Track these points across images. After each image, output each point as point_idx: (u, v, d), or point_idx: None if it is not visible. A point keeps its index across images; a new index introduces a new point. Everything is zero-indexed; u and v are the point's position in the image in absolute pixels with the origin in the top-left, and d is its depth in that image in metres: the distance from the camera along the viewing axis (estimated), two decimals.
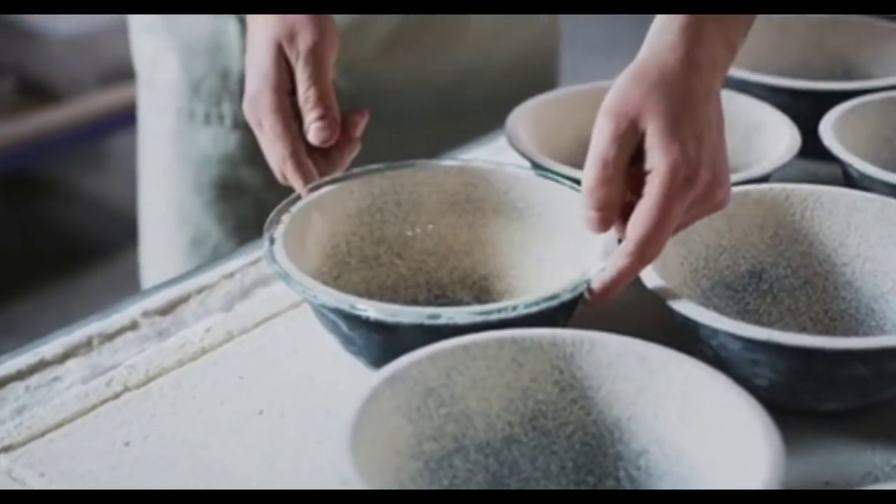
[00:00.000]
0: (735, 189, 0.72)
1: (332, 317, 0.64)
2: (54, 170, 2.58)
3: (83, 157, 2.61)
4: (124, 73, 2.26)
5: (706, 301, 0.70)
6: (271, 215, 0.69)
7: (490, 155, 0.93)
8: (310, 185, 0.72)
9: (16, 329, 2.07)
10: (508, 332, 0.59)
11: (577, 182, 0.73)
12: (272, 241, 0.67)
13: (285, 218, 0.69)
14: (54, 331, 0.73)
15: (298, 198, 0.71)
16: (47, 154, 2.29)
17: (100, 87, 2.22)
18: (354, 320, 0.63)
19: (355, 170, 0.74)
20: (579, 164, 0.85)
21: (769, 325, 0.71)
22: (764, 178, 0.76)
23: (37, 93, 2.18)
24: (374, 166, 0.75)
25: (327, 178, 0.73)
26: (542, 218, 0.73)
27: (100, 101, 2.21)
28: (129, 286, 2.22)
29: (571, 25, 3.42)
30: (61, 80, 2.18)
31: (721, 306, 0.70)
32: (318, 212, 0.72)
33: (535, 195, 0.74)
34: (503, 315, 0.61)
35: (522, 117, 0.83)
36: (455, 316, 0.61)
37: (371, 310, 0.61)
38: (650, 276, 0.64)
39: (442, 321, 0.61)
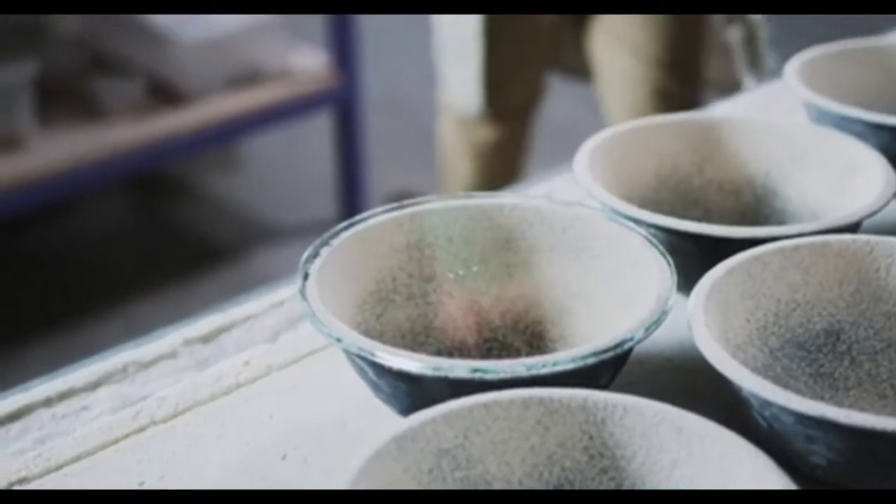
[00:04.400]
0: (813, 239, 0.66)
1: (359, 362, 0.61)
2: (181, 171, 2.62)
3: (210, 159, 2.64)
4: (252, 76, 2.28)
5: (774, 361, 0.63)
6: (309, 249, 0.66)
7: (557, 188, 0.88)
8: (356, 217, 0.68)
9: (135, 330, 2.10)
10: (536, 392, 0.54)
11: (650, 226, 0.68)
12: (306, 276, 0.64)
13: (324, 251, 0.66)
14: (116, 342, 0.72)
15: (339, 231, 0.68)
16: (175, 155, 2.32)
17: (228, 90, 2.23)
18: (379, 368, 0.59)
19: (406, 202, 0.71)
20: (658, 202, 0.79)
21: (845, 390, 0.64)
22: (852, 227, 0.70)
23: (166, 95, 2.21)
24: (425, 198, 0.71)
25: (376, 210, 0.70)
26: (601, 260, 0.68)
27: (227, 104, 2.22)
28: (250, 289, 2.24)
29: None
30: (190, 82, 2.19)
31: (791, 368, 0.64)
32: (362, 245, 0.68)
33: (595, 236, 0.69)
34: (534, 372, 0.56)
35: (595, 149, 0.78)
36: (484, 370, 0.56)
37: (391, 359, 0.57)
38: (707, 332, 0.58)
39: (467, 376, 0.56)
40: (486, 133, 1.92)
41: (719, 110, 0.99)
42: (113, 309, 2.17)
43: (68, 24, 2.38)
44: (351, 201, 2.43)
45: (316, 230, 2.43)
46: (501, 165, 1.95)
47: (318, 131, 2.65)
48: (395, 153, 2.73)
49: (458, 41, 1.82)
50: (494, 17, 1.77)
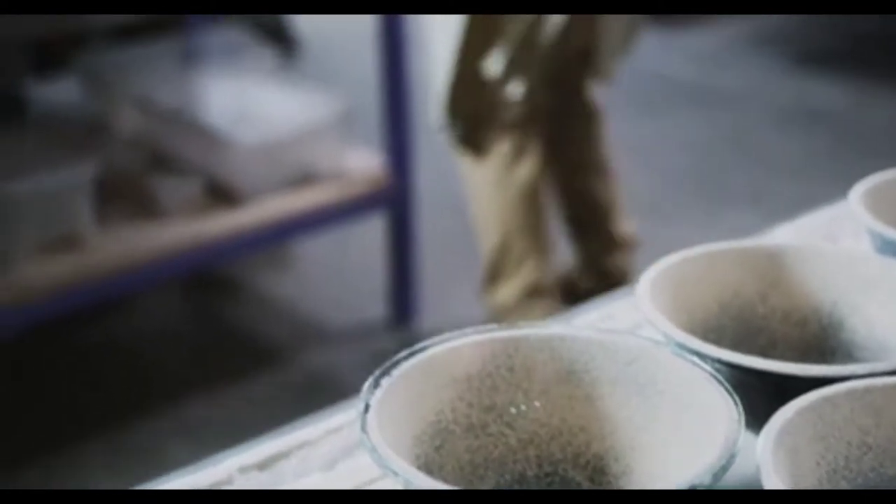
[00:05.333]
0: (885, 380, 0.64)
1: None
2: (234, 269, 2.64)
3: (263, 258, 2.65)
4: (307, 177, 2.30)
5: None
6: (370, 380, 0.65)
7: (617, 312, 0.87)
8: (418, 346, 0.68)
9: (187, 430, 2.10)
10: None
11: (715, 360, 0.67)
12: (367, 407, 0.63)
13: (385, 382, 0.65)
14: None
15: (400, 361, 0.67)
16: (229, 255, 2.34)
17: (283, 190, 2.25)
18: None
19: (467, 330, 0.70)
20: (719, 331, 0.78)
21: None
22: None
23: (222, 195, 2.23)
24: (488, 327, 0.70)
25: (436, 339, 0.69)
26: (665, 396, 0.67)
27: (282, 204, 2.24)
28: (299, 391, 2.23)
29: (759, 140, 3.30)
30: (246, 183, 2.22)
31: None
32: (422, 376, 0.67)
33: (659, 370, 0.67)
34: None
35: (657, 275, 0.77)
36: None
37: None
38: (777, 478, 0.57)
39: None
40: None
41: (781, 234, 0.98)
42: (166, 406, 2.18)
43: (128, 124, 2.42)
44: (403, 302, 2.43)
45: (367, 331, 2.44)
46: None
47: (372, 230, 2.66)
48: (446, 253, 2.73)
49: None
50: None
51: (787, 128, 3.41)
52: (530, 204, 2.16)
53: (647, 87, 3.75)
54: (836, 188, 0.90)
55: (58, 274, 1.98)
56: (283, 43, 3.96)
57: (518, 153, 2.14)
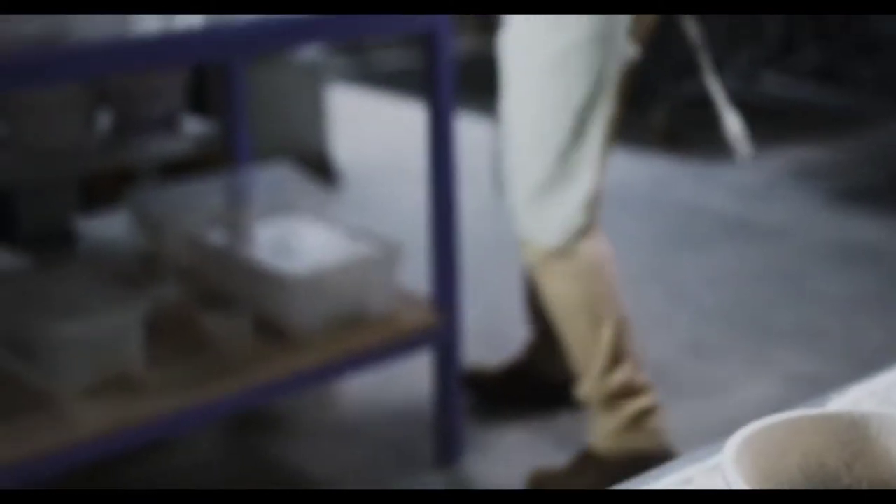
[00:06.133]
0: None
1: None
2: (284, 408, 2.63)
3: (311, 398, 2.65)
4: (355, 314, 2.30)
5: None
6: None
7: (698, 475, 0.86)
8: None
9: None
10: None
11: None
12: None
13: None
14: None
15: None
16: (278, 393, 2.33)
17: (331, 328, 2.26)
18: None
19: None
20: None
21: None
22: None
23: (271, 332, 2.24)
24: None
25: None
26: None
27: (330, 343, 2.24)
28: None
29: (803, 276, 3.28)
30: (295, 320, 2.23)
31: None
32: None
33: None
34: None
35: (742, 445, 0.76)
36: None
37: None
38: None
39: None
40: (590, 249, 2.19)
41: (856, 392, 0.97)
42: None
43: (178, 259, 2.45)
44: (449, 440, 2.40)
45: (412, 469, 2.41)
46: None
47: (417, 364, 2.65)
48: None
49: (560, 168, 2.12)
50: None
51: (831, 264, 3.40)
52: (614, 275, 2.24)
53: (687, 220, 3.76)
54: (885, 328, 0.90)
55: (107, 415, 1.98)
56: (327, 176, 4.02)
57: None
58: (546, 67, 2.09)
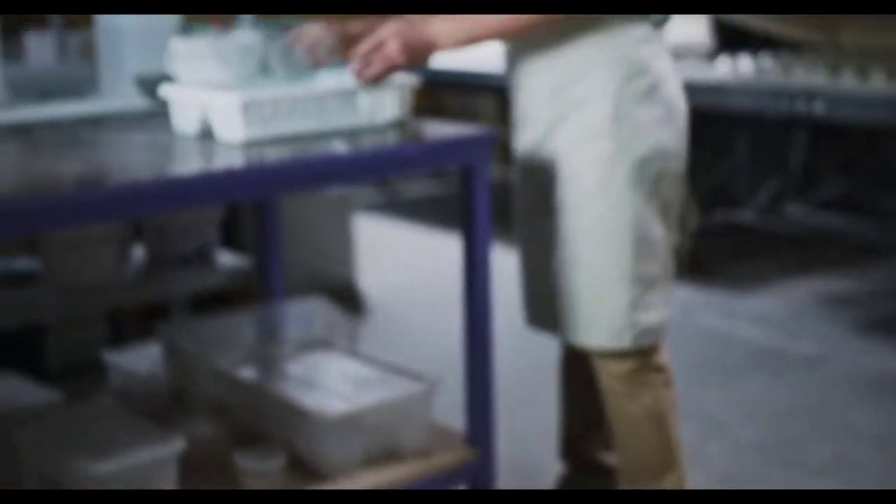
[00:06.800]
0: None
1: None
2: None
3: None
4: (389, 451, 2.28)
5: None
6: None
7: None
8: None
9: None
10: None
11: None
12: None
13: None
14: None
15: None
16: None
17: (365, 467, 2.23)
18: None
19: None
20: None
21: None
22: None
23: (305, 470, 2.22)
24: None
25: None
26: None
27: (364, 481, 2.22)
28: None
29: (835, 408, 3.22)
30: (329, 458, 2.21)
31: None
32: None
33: None
34: None
35: None
36: None
37: None
38: None
39: None
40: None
41: None
42: None
43: (209, 395, 2.44)
44: None
45: None
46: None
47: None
48: None
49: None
50: None
51: (863, 395, 3.37)
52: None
53: (715, 351, 3.74)
54: None
55: None
56: (354, 306, 4.03)
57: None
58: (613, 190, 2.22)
